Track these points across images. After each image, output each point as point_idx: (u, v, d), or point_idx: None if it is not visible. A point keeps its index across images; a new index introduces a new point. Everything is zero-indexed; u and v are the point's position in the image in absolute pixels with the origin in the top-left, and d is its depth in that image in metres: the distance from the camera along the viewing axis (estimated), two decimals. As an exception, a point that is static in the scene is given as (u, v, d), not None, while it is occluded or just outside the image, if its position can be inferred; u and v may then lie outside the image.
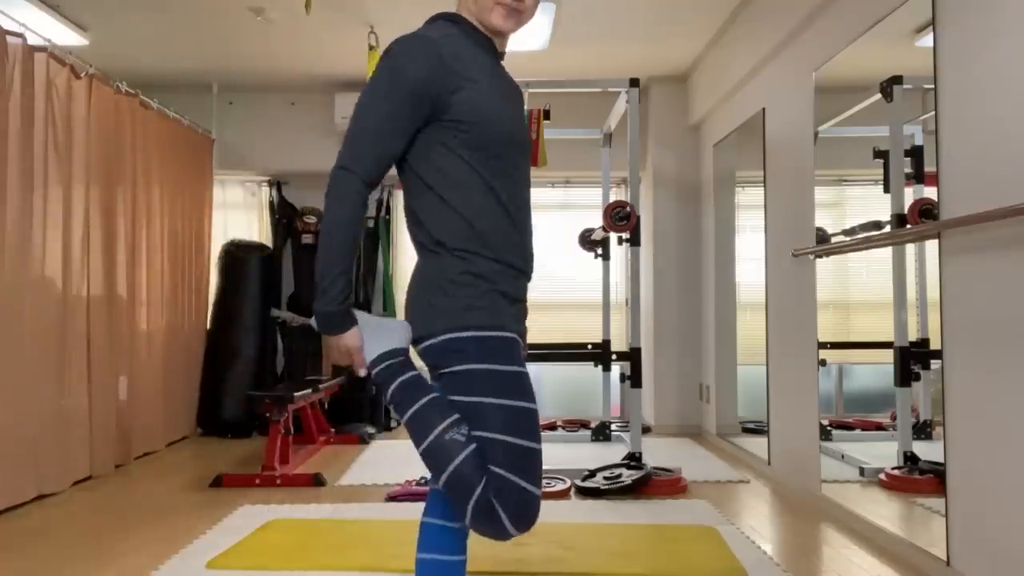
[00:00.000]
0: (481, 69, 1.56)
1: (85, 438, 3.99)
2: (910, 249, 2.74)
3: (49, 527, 3.16)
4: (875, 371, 3.03)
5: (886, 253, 2.90)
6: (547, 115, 4.50)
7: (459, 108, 1.51)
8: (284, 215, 5.97)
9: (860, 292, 3.15)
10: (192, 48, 5.02)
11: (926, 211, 2.62)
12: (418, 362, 1.60)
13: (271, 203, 6.05)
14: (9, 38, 3.46)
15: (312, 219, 5.84)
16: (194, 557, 2.74)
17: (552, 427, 5.54)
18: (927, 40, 2.58)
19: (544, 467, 4.00)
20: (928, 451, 2.63)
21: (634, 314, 3.98)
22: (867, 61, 3.04)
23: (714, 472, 4.16)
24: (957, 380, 2.44)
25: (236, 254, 5.61)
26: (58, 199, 3.84)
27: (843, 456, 3.26)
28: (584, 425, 5.55)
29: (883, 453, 2.94)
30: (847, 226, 3.24)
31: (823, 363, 3.45)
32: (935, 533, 2.55)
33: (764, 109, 4.19)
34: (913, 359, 2.73)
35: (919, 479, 2.70)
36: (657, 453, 4.71)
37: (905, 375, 2.79)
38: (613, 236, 4.93)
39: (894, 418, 2.86)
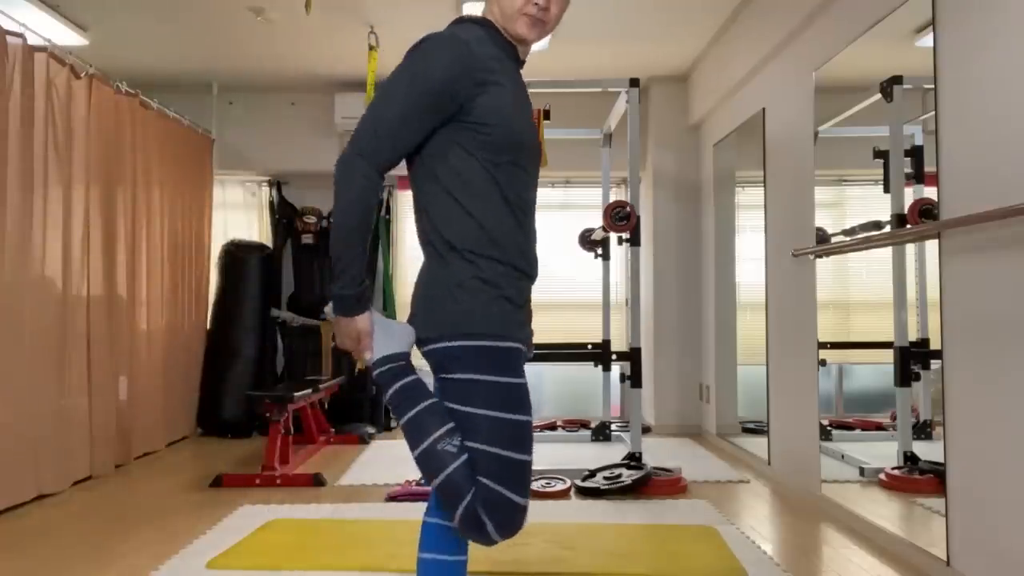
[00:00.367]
0: (505, 74, 1.57)
1: (85, 438, 3.99)
2: (910, 249, 2.74)
3: (49, 527, 3.16)
4: (875, 371, 3.03)
5: (886, 253, 2.90)
6: (547, 115, 4.50)
7: (482, 110, 1.51)
8: (284, 215, 5.97)
9: (860, 292, 3.15)
10: (192, 48, 5.02)
11: (926, 211, 2.62)
12: (421, 362, 1.60)
13: (271, 203, 6.05)
14: (9, 38, 3.46)
15: (312, 219, 5.84)
16: (194, 557, 2.74)
17: (552, 427, 5.54)
18: (927, 40, 2.58)
19: (544, 467, 4.00)
20: (928, 451, 2.63)
21: (634, 314, 3.98)
22: (867, 61, 3.04)
23: (714, 472, 4.16)
24: (957, 380, 2.44)
25: (236, 254, 5.61)
26: (58, 199, 3.84)
27: (843, 456, 3.26)
28: (584, 425, 5.55)
29: (883, 453, 2.94)
30: (847, 226, 3.24)
31: (823, 363, 3.45)
32: (935, 533, 2.55)
33: (764, 109, 4.19)
34: (913, 359, 2.73)
35: (919, 479, 2.70)
36: (657, 453, 4.71)
37: (905, 375, 2.79)
38: (613, 236, 4.93)
39: (894, 418, 2.86)
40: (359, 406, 5.60)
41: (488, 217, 1.54)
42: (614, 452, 4.62)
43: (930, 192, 2.58)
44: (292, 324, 5.77)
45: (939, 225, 2.47)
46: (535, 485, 3.71)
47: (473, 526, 1.48)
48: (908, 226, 2.74)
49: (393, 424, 5.71)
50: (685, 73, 5.59)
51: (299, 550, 2.80)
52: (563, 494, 3.66)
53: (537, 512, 3.36)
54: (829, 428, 3.39)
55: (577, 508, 3.44)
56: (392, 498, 3.58)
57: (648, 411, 5.76)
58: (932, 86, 2.55)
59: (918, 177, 2.67)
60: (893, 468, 2.87)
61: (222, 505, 3.51)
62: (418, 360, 1.61)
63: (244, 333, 5.51)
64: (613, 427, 5.22)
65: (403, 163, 1.61)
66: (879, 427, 3.00)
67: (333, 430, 5.31)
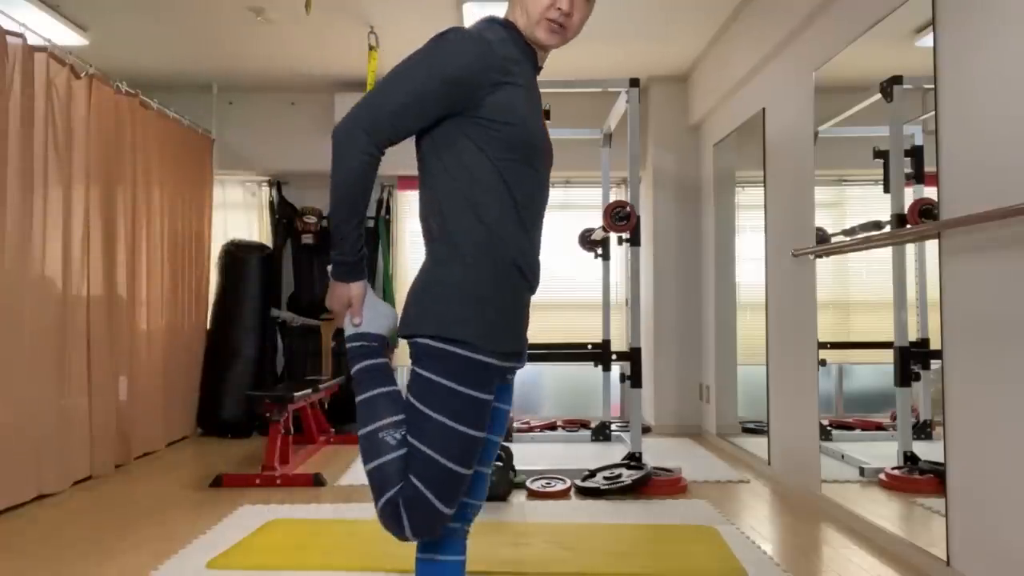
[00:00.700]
0: (523, 76, 1.57)
1: (85, 438, 3.99)
2: (910, 249, 2.74)
3: (49, 527, 3.16)
4: (875, 371, 3.03)
5: (886, 253, 2.89)
6: (547, 115, 4.50)
7: (496, 108, 1.51)
8: (284, 215, 5.97)
9: (860, 292, 3.15)
10: (192, 48, 5.02)
11: (926, 211, 2.62)
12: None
13: (271, 203, 6.05)
14: (9, 38, 3.46)
15: (312, 219, 5.84)
16: (194, 557, 2.74)
17: (552, 427, 5.54)
18: (927, 40, 2.58)
19: (544, 467, 4.00)
20: (928, 451, 2.63)
21: (634, 314, 3.98)
22: (867, 61, 3.04)
23: (714, 472, 4.16)
24: (957, 380, 2.44)
25: (236, 254, 5.61)
26: (58, 199, 3.84)
27: (843, 456, 3.26)
28: (584, 425, 5.55)
29: (883, 453, 2.94)
30: (847, 226, 3.24)
31: (823, 363, 3.45)
32: (935, 533, 2.55)
33: (764, 109, 4.19)
34: (913, 359, 2.73)
35: (919, 479, 2.70)
36: (657, 453, 4.71)
37: (905, 375, 2.79)
38: (613, 236, 4.93)
39: (894, 418, 2.86)
40: (359, 406, 5.60)
41: (493, 216, 1.53)
42: (614, 452, 4.62)
43: (930, 192, 2.58)
44: (292, 324, 5.77)
45: (939, 225, 2.47)
46: (535, 485, 3.71)
47: (391, 519, 1.49)
48: (908, 226, 2.74)
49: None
50: (685, 73, 5.59)
51: (299, 550, 2.80)
52: (563, 494, 3.66)
53: (537, 512, 3.36)
54: (829, 428, 3.39)
55: (577, 508, 3.44)
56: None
57: (648, 411, 5.76)
58: (932, 86, 2.55)
59: (918, 177, 2.67)
60: (893, 468, 2.87)
61: (222, 505, 3.51)
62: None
63: (244, 333, 5.51)
64: (613, 427, 5.22)
65: (409, 162, 1.61)
66: (879, 427, 3.00)
67: (333, 430, 5.31)
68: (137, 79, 5.63)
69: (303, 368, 5.79)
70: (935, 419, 2.57)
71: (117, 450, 4.31)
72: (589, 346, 4.65)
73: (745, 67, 4.33)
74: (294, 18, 4.51)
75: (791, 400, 3.80)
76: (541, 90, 4.54)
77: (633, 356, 3.95)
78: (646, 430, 5.54)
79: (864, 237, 3.00)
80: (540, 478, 3.82)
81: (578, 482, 3.76)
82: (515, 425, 5.49)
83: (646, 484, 3.70)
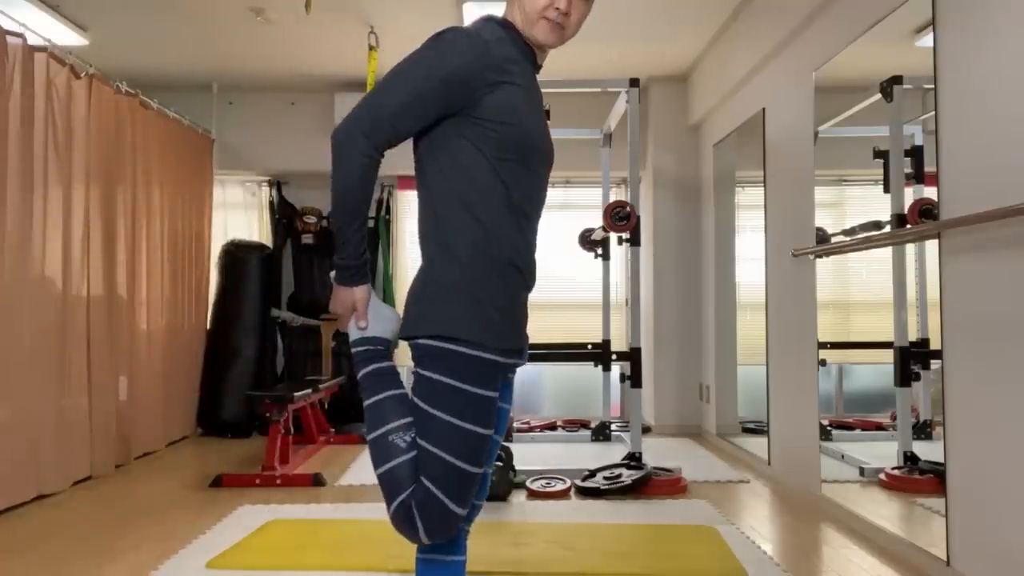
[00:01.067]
0: (520, 76, 1.57)
1: (85, 438, 3.99)
2: (910, 249, 2.74)
3: (49, 527, 3.16)
4: (875, 371, 3.03)
5: (886, 253, 2.89)
6: (547, 115, 4.50)
7: (493, 108, 1.51)
8: (284, 215, 5.97)
9: (860, 292, 3.15)
10: (192, 48, 5.02)
11: (926, 211, 2.62)
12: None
13: (271, 203, 6.05)
14: (9, 38, 3.46)
15: (312, 219, 5.84)
16: (194, 557, 2.74)
17: (552, 427, 5.54)
18: (927, 40, 2.58)
19: (544, 467, 4.00)
20: (928, 451, 2.63)
21: (634, 314, 3.98)
22: (867, 61, 3.04)
23: (714, 472, 4.16)
24: (957, 380, 2.44)
25: (236, 254, 5.61)
26: (58, 199, 3.84)
27: (843, 456, 3.26)
28: (584, 425, 5.55)
29: (883, 453, 2.94)
30: (847, 226, 3.24)
31: (823, 363, 3.45)
32: (935, 533, 2.55)
33: (764, 109, 4.19)
34: (913, 359, 2.73)
35: (919, 479, 2.70)
36: (657, 453, 4.71)
37: (905, 375, 2.79)
38: (613, 236, 4.93)
39: (894, 418, 2.86)
40: (359, 406, 5.60)
41: (489, 216, 1.53)
42: (614, 452, 4.62)
43: (930, 192, 2.58)
44: (292, 324, 5.77)
45: (939, 225, 2.47)
46: (535, 485, 3.71)
47: (404, 523, 1.49)
48: (908, 226, 2.74)
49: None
50: (685, 73, 5.59)
51: (299, 550, 2.80)
52: (563, 494, 3.66)
53: (537, 512, 3.36)
54: (829, 428, 3.39)
55: (577, 508, 3.44)
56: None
57: (648, 411, 5.76)
58: (932, 86, 2.55)
59: (918, 177, 2.67)
60: (893, 468, 2.87)
61: (222, 505, 3.51)
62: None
63: (244, 333, 5.50)
64: (613, 427, 5.22)
65: (408, 162, 1.61)
66: (879, 427, 3.00)
67: (333, 430, 5.31)
68: (137, 79, 5.63)
69: (303, 368, 5.79)
70: (935, 419, 2.57)
71: (117, 450, 4.31)
72: (589, 346, 4.65)
73: (745, 67, 4.33)
74: (294, 18, 4.51)
75: (791, 400, 3.80)
76: (542, 90, 4.55)
77: (633, 356, 3.95)
78: (646, 430, 5.54)
79: (864, 237, 3.00)
80: (540, 478, 3.82)
81: (578, 482, 3.76)
82: (515, 425, 5.49)
83: (646, 484, 3.70)
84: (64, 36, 4.64)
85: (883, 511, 2.91)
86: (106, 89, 4.26)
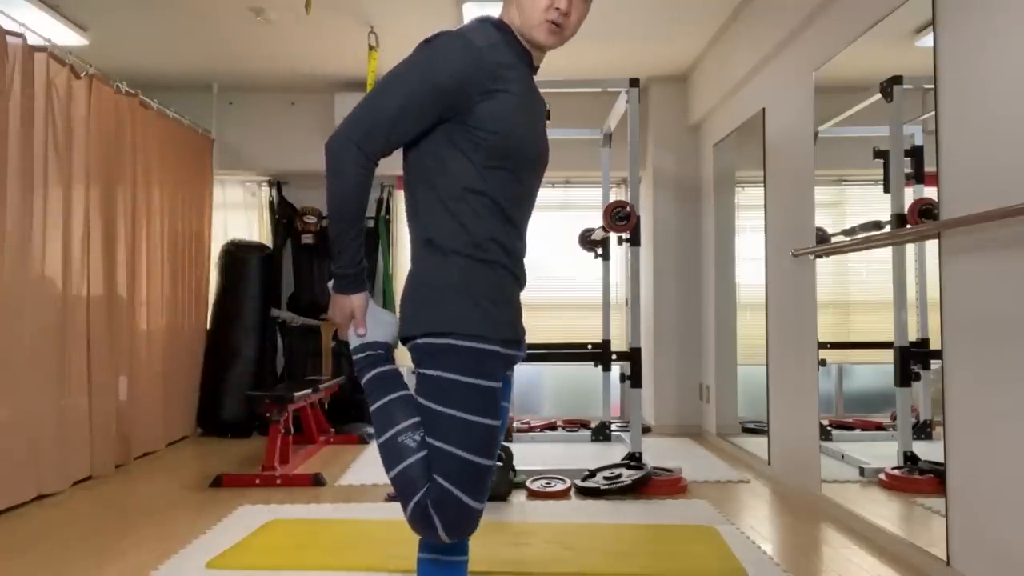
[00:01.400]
0: (517, 81, 1.55)
1: (85, 438, 3.99)
2: (910, 249, 2.74)
3: (49, 527, 3.16)
4: (875, 371, 3.03)
5: (886, 253, 2.90)
6: (547, 115, 4.50)
7: (484, 116, 1.50)
8: (284, 215, 5.97)
9: (860, 292, 3.15)
10: (192, 48, 5.02)
11: (926, 211, 2.62)
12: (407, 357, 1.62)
13: (271, 203, 6.05)
14: (9, 38, 3.46)
15: (312, 219, 5.84)
16: (194, 557, 2.74)
17: (552, 427, 5.54)
18: (927, 40, 2.58)
19: (544, 467, 4.00)
20: (928, 451, 2.63)
21: (634, 314, 3.98)
22: (867, 61, 3.04)
23: (714, 472, 4.16)
24: (957, 380, 2.44)
25: (236, 254, 5.61)
26: (58, 199, 3.84)
27: (843, 456, 3.26)
28: (584, 425, 5.55)
29: (883, 453, 2.94)
30: (847, 226, 3.24)
31: (823, 363, 3.45)
32: (935, 533, 2.55)
33: (764, 109, 4.19)
34: (913, 359, 2.73)
35: (919, 479, 2.70)
36: (657, 453, 4.71)
37: (905, 375, 2.79)
38: (613, 236, 4.93)
39: (894, 418, 2.86)
40: (359, 406, 5.60)
41: (477, 222, 1.53)
42: (614, 452, 4.62)
43: (930, 192, 2.58)
44: (292, 324, 5.77)
45: (939, 225, 2.47)
46: (535, 485, 3.71)
47: (423, 523, 1.48)
48: (908, 226, 2.74)
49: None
50: (685, 73, 5.59)
51: (299, 550, 2.80)
52: (563, 494, 3.66)
53: (537, 512, 3.36)
54: (829, 428, 3.39)
55: (577, 508, 3.44)
56: (392, 498, 3.58)
57: (648, 411, 5.76)
58: (932, 86, 2.55)
59: (918, 177, 2.67)
60: (893, 468, 2.87)
61: (222, 505, 3.51)
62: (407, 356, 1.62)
63: (244, 333, 5.51)
64: (613, 427, 5.22)
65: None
66: (879, 427, 3.00)
67: (333, 430, 5.31)
68: (137, 79, 5.63)
69: (303, 368, 5.79)
70: (935, 419, 2.57)
71: (117, 450, 4.31)
72: (589, 346, 4.65)
73: (745, 67, 4.33)
74: (294, 18, 4.51)
75: (791, 400, 3.80)
76: (542, 90, 4.55)
77: (633, 356, 3.95)
78: (646, 430, 5.54)
79: (864, 237, 3.00)
80: (540, 478, 3.82)
81: (578, 482, 3.76)
82: (515, 425, 5.49)
83: (646, 484, 3.70)
84: (64, 36, 4.64)
85: (883, 511, 2.91)
86: (106, 89, 4.26)
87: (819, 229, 3.49)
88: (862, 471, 3.10)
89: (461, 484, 1.47)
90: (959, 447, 2.43)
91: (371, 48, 4.66)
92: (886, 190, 2.89)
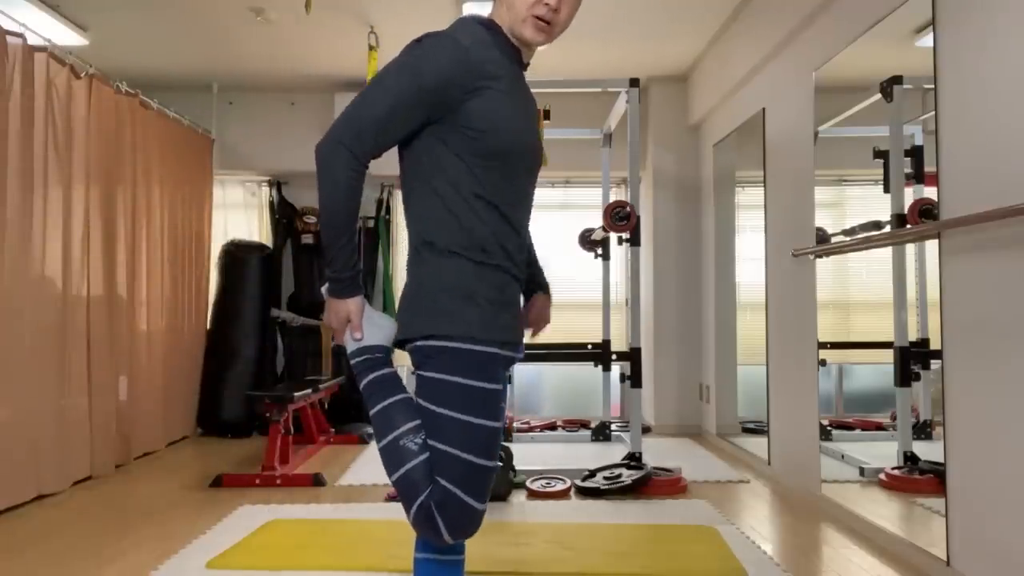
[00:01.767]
0: (504, 79, 1.55)
1: (85, 438, 3.99)
2: (910, 249, 2.74)
3: (49, 527, 3.16)
4: (875, 371, 3.03)
5: (886, 253, 2.89)
6: (547, 115, 4.50)
7: (473, 115, 1.50)
8: (284, 215, 5.97)
9: (860, 292, 3.15)
10: (192, 48, 5.02)
11: (926, 211, 2.62)
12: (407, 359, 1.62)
13: (271, 203, 6.05)
14: (9, 38, 3.46)
15: (312, 219, 5.84)
16: (194, 557, 2.74)
17: (552, 427, 5.54)
18: (927, 40, 2.58)
19: (544, 467, 4.00)
20: (928, 451, 2.63)
21: (634, 314, 3.98)
22: (867, 61, 3.04)
23: (714, 472, 4.16)
24: (957, 380, 2.44)
25: (236, 254, 5.61)
26: (58, 199, 3.84)
27: (843, 456, 3.26)
28: (584, 425, 5.55)
29: (883, 453, 2.94)
30: (847, 226, 3.24)
31: (823, 363, 3.45)
32: (935, 533, 2.55)
33: (764, 109, 4.19)
34: (913, 359, 2.73)
35: (919, 479, 2.70)
36: (657, 453, 4.71)
37: (905, 375, 2.79)
38: (613, 236, 4.93)
39: (894, 418, 2.86)
40: (359, 406, 5.60)
41: (473, 222, 1.53)
42: (614, 452, 4.62)
43: (930, 192, 2.58)
44: (292, 324, 5.77)
45: (939, 225, 2.47)
46: (535, 485, 3.71)
47: (426, 525, 1.48)
48: (908, 226, 2.74)
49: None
50: (685, 73, 5.59)
51: (299, 550, 2.80)
52: (563, 494, 3.66)
53: (537, 512, 3.36)
54: (829, 428, 3.39)
55: (577, 508, 3.44)
56: (392, 498, 3.58)
57: (648, 411, 5.76)
58: (932, 86, 2.55)
59: (918, 177, 2.67)
60: (893, 468, 2.87)
61: (222, 505, 3.51)
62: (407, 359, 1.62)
63: (244, 333, 5.51)
64: (613, 427, 5.22)
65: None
66: (879, 427, 3.00)
67: (333, 430, 5.31)
68: (137, 79, 5.63)
69: (303, 368, 5.79)
70: (935, 419, 2.57)
71: (117, 450, 4.31)
72: (589, 346, 4.65)
73: (745, 67, 4.33)
74: (294, 18, 4.51)
75: (791, 400, 3.80)
76: (542, 90, 4.55)
77: (633, 356, 3.95)
78: (646, 430, 5.54)
79: (864, 237, 3.00)
80: (540, 478, 3.82)
81: (578, 482, 3.76)
82: (515, 425, 5.49)
83: (646, 484, 3.70)
84: (64, 36, 4.64)
85: (883, 511, 2.91)
86: (106, 89, 4.26)
87: (819, 229, 3.49)
88: (862, 471, 3.10)
89: (464, 486, 1.47)
90: (959, 447, 2.43)
91: (371, 48, 4.66)
92: (886, 190, 2.89)
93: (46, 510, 3.43)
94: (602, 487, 3.65)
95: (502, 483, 3.57)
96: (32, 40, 3.65)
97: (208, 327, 5.62)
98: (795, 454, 3.76)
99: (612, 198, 5.26)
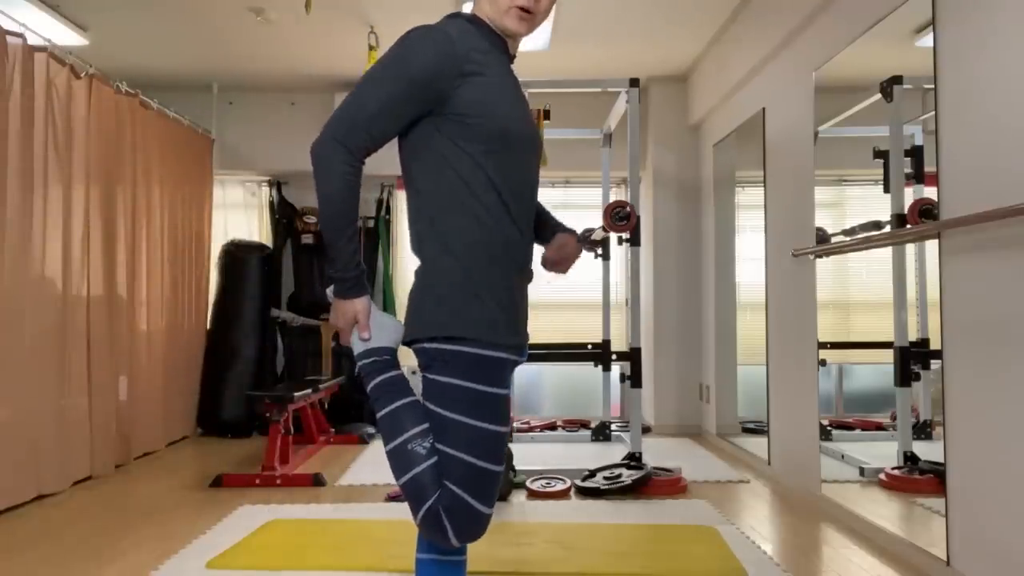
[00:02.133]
0: (493, 66, 1.57)
1: (85, 438, 3.99)
2: (910, 249, 2.74)
3: (49, 527, 3.16)
4: (875, 371, 3.03)
5: (886, 253, 2.90)
6: (547, 115, 4.50)
7: (465, 102, 1.51)
8: (284, 215, 5.97)
9: (860, 292, 3.15)
10: (192, 48, 5.02)
11: (926, 211, 2.62)
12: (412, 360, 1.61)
13: (271, 203, 6.05)
14: (9, 38, 3.46)
15: (312, 219, 5.84)
16: (194, 557, 2.74)
17: (552, 427, 5.54)
18: (927, 40, 2.58)
19: (544, 467, 4.00)
20: (928, 451, 2.63)
21: (634, 314, 3.98)
22: (867, 61, 3.04)
23: (714, 472, 4.16)
24: (957, 380, 2.44)
25: (236, 254, 5.61)
26: (58, 199, 3.84)
27: (843, 456, 3.26)
28: (584, 425, 5.55)
29: (883, 453, 2.94)
30: (847, 226, 3.24)
31: (823, 363, 3.45)
32: (935, 533, 2.55)
33: (764, 109, 4.19)
34: (913, 359, 2.73)
35: (919, 479, 2.70)
36: (657, 453, 4.71)
37: (905, 375, 2.79)
38: (613, 236, 4.93)
39: (894, 418, 2.86)
40: (359, 406, 5.60)
41: (480, 212, 1.53)
42: (614, 452, 4.62)
43: (930, 192, 2.58)
44: (292, 324, 5.77)
45: (939, 225, 2.47)
46: (535, 485, 3.71)
47: (434, 528, 1.49)
48: (908, 226, 2.74)
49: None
50: (685, 73, 5.59)
51: (299, 550, 2.80)
52: (563, 494, 3.66)
53: (537, 512, 3.36)
54: (829, 428, 3.39)
55: (577, 508, 3.44)
56: (392, 498, 3.58)
57: (648, 411, 5.76)
58: (932, 86, 2.55)
59: (918, 177, 2.67)
60: (893, 468, 2.87)
61: (222, 505, 3.51)
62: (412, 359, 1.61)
63: (244, 333, 5.51)
64: (613, 427, 5.22)
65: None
66: (879, 427, 3.00)
67: (333, 430, 5.30)
68: (137, 79, 5.63)
69: (303, 368, 5.79)
70: (935, 419, 2.57)
71: (117, 450, 4.31)
72: (589, 346, 4.65)
73: (745, 67, 4.33)
74: (294, 18, 4.51)
75: (791, 400, 3.80)
76: (542, 90, 4.55)
77: (633, 356, 3.95)
78: (646, 430, 5.54)
79: (864, 237, 3.00)
80: (540, 478, 3.82)
81: (578, 482, 3.76)
82: (515, 425, 5.49)
83: (646, 484, 3.70)
84: (64, 36, 4.64)
85: (883, 511, 2.91)
86: (106, 89, 4.26)
87: (819, 229, 3.49)
88: (862, 471, 3.10)
89: (472, 490, 1.48)
90: (959, 447, 2.43)
91: (371, 48, 4.66)
92: (886, 190, 2.89)
93: (46, 510, 3.43)
94: (602, 487, 3.65)
95: (502, 483, 3.57)
96: (32, 40, 3.65)
97: (208, 327, 5.62)
98: (795, 454, 3.76)
99: (612, 198, 5.26)
